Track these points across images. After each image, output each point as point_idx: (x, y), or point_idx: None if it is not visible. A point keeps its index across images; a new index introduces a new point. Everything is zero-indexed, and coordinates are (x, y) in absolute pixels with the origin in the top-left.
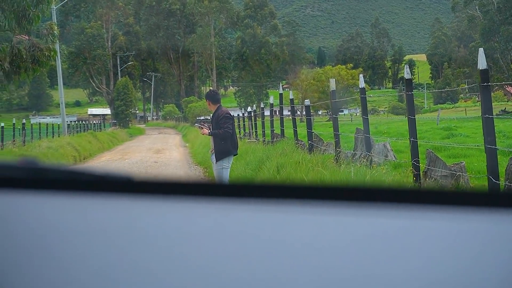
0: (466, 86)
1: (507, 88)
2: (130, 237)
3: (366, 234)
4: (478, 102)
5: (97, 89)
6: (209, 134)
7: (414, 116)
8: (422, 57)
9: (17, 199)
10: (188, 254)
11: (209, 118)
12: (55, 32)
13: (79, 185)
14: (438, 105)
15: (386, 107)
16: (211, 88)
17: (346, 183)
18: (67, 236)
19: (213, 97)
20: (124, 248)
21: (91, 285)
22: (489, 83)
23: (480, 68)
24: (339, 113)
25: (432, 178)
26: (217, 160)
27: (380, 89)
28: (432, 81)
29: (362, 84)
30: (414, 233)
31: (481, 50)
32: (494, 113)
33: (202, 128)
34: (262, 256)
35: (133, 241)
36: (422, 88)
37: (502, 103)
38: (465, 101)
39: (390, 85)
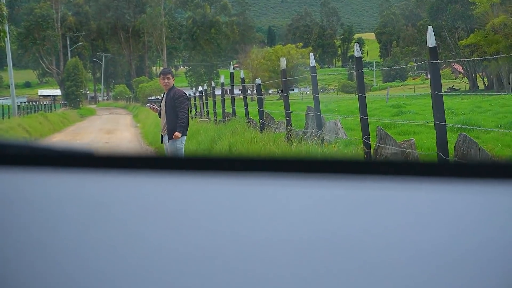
0: (414, 64)
1: (454, 66)
2: (94, 212)
3: (319, 203)
4: (427, 80)
5: (47, 70)
6: (179, 132)
7: (364, 94)
8: (371, 36)
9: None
10: (150, 229)
11: (159, 98)
12: (4, 12)
13: (41, 160)
14: (387, 83)
15: (336, 86)
16: (162, 67)
17: (295, 155)
18: (30, 212)
19: (173, 73)
20: (87, 223)
21: (59, 259)
22: (438, 61)
23: (429, 46)
24: (290, 91)
25: (382, 155)
26: (170, 139)
27: (330, 67)
28: (381, 60)
29: (312, 62)
30: (361, 203)
31: (430, 28)
32: (443, 91)
33: (153, 108)
34: (224, 228)
35: (96, 217)
36: (371, 66)
37: (450, 80)
38: (414, 79)
39: (340, 63)
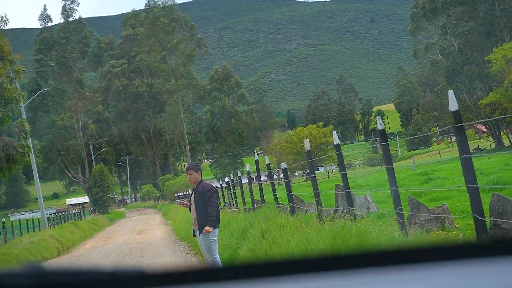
0: (437, 130)
1: (477, 126)
2: None
3: None
4: (451, 144)
5: (73, 179)
6: (210, 226)
7: (392, 166)
8: (391, 107)
9: None
10: None
11: (187, 193)
12: (26, 129)
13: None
14: (412, 151)
15: (361, 160)
16: (186, 163)
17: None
18: None
19: (199, 167)
20: None
21: None
22: (463, 124)
23: (452, 110)
24: (316, 171)
25: (416, 223)
26: (201, 233)
27: (353, 143)
28: (403, 129)
29: (336, 140)
30: None
31: (450, 92)
32: None
33: (183, 203)
34: None
35: None
36: (394, 137)
37: (475, 141)
38: (438, 144)
39: (363, 137)
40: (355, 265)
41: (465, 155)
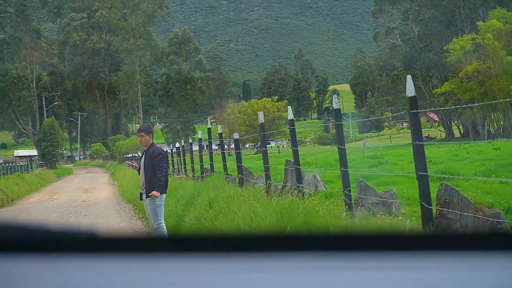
0: (390, 115)
1: (429, 115)
2: None
3: None
4: (402, 130)
5: (23, 130)
6: (157, 191)
7: (344, 146)
8: (346, 87)
9: None
10: None
11: (136, 155)
12: None
13: (36, 245)
14: (364, 134)
15: (312, 138)
16: (138, 125)
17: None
18: None
19: (151, 130)
20: None
21: None
22: (418, 110)
23: (409, 95)
24: (267, 145)
25: (363, 206)
26: (148, 197)
27: (305, 120)
28: (357, 110)
29: (290, 115)
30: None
31: (409, 77)
32: None
33: (132, 165)
34: None
35: None
36: (347, 117)
37: (426, 129)
38: (390, 129)
39: (315, 115)
40: (300, 247)
41: (417, 142)
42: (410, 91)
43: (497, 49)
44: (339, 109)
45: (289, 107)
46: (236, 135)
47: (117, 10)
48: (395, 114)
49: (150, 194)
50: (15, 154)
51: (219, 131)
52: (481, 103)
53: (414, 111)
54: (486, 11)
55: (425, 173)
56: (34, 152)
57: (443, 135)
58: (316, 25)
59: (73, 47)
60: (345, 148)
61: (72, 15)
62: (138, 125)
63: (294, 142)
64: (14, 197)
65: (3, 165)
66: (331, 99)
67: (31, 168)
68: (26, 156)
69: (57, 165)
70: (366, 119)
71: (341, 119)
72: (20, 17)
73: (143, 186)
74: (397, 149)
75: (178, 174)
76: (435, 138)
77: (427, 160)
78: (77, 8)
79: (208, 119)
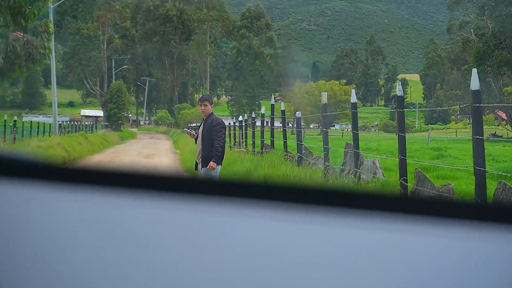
0: (458, 108)
1: (498, 113)
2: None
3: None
4: (469, 125)
5: (91, 90)
6: (214, 162)
7: (404, 134)
8: (415, 77)
9: None
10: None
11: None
12: (51, 30)
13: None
14: (429, 125)
15: (377, 124)
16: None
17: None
18: (36, 228)
19: (211, 100)
20: (109, 246)
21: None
22: (481, 104)
23: (473, 89)
24: (331, 127)
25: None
26: (203, 167)
27: (372, 106)
28: (424, 101)
29: (354, 99)
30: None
31: (474, 70)
32: (485, 137)
33: (190, 133)
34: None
35: (121, 242)
36: (414, 107)
37: (493, 127)
38: (456, 123)
39: (383, 103)
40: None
41: (477, 136)
42: (475, 84)
43: None
44: (403, 96)
45: (353, 90)
46: (298, 114)
47: None
48: (462, 106)
49: (207, 166)
50: (82, 113)
51: (282, 108)
52: None
53: (477, 105)
54: None
55: (483, 169)
56: (100, 113)
57: (510, 134)
58: (390, 12)
59: (146, 12)
60: (405, 136)
61: None
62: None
63: (355, 126)
64: (76, 156)
65: (69, 123)
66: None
67: (96, 129)
68: (92, 116)
69: (122, 127)
70: (432, 109)
71: (403, 106)
72: None
73: (199, 155)
74: (462, 143)
75: (239, 148)
76: (501, 136)
77: (489, 157)
78: None
79: (273, 96)
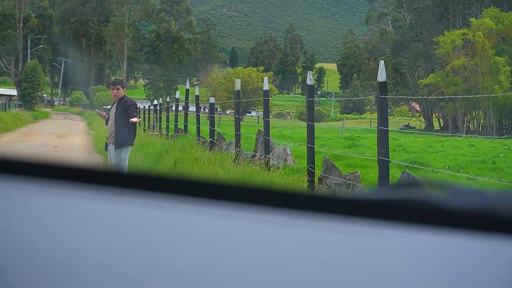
0: (373, 98)
1: (412, 104)
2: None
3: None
4: None
5: (5, 69)
6: (133, 121)
7: (313, 123)
8: (333, 67)
9: None
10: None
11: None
12: None
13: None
14: (344, 114)
15: (294, 112)
16: (122, 78)
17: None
18: None
19: (124, 84)
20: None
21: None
22: (387, 96)
23: (380, 80)
24: (247, 114)
25: (326, 185)
26: (116, 148)
27: (289, 94)
28: (341, 91)
29: (266, 86)
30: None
31: (381, 62)
32: (398, 127)
33: (101, 114)
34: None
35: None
36: (330, 96)
37: (407, 118)
38: (371, 113)
39: (300, 91)
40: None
41: (382, 127)
42: (381, 76)
43: (486, 48)
44: (313, 85)
45: (266, 78)
46: (212, 99)
47: None
48: (376, 97)
49: (132, 119)
50: None
51: (196, 93)
52: (464, 96)
53: (383, 96)
54: (480, 8)
55: (386, 159)
56: (14, 92)
57: (423, 126)
58: (310, 1)
59: None
60: (313, 125)
61: None
62: (120, 77)
63: (266, 113)
64: None
65: None
66: (309, 75)
67: (9, 108)
68: (6, 95)
69: (35, 107)
70: (348, 99)
71: (313, 95)
72: None
73: (110, 136)
74: (375, 133)
75: (152, 131)
76: (414, 127)
77: (401, 148)
78: None
79: (188, 80)
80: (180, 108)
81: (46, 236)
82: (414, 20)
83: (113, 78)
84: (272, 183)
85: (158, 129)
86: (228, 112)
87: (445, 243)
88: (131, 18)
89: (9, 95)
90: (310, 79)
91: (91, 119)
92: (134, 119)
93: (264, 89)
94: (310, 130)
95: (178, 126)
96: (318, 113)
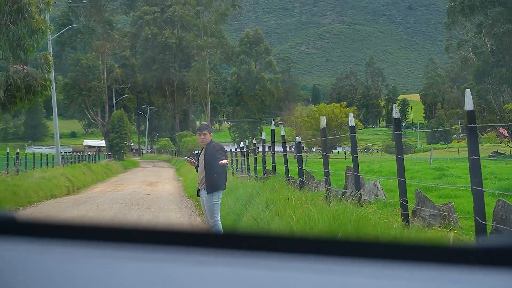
0: (459, 127)
1: (499, 130)
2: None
3: None
4: None
5: (92, 120)
6: (222, 162)
7: (403, 156)
8: (416, 97)
9: None
10: None
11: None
12: (50, 62)
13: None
14: (431, 145)
15: (380, 146)
16: (206, 122)
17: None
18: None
19: (210, 128)
20: None
21: None
22: (476, 125)
23: (467, 109)
24: (333, 150)
25: (421, 217)
26: (208, 193)
27: (374, 127)
28: (426, 121)
29: (351, 122)
30: None
31: (467, 91)
32: (487, 155)
33: (190, 161)
34: None
35: None
36: (415, 127)
37: (495, 144)
38: (458, 142)
39: (384, 124)
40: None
41: (473, 157)
42: (469, 105)
43: None
44: (399, 118)
45: (351, 114)
46: (298, 138)
47: (190, 7)
48: (464, 125)
49: (222, 161)
50: (84, 144)
51: (282, 133)
52: None
53: (471, 125)
54: None
55: (480, 188)
56: (102, 142)
57: None
58: (388, 33)
59: (144, 41)
60: (403, 158)
61: (146, 9)
62: (205, 122)
63: (354, 149)
64: (80, 186)
65: (72, 153)
66: (394, 108)
67: (99, 159)
68: (95, 146)
69: (124, 157)
70: (434, 130)
71: (400, 128)
72: (94, 7)
73: (202, 182)
74: (465, 162)
75: (241, 174)
76: (504, 154)
77: (491, 175)
78: (150, 2)
79: (273, 121)
80: (266, 148)
81: None
82: (495, 45)
83: (198, 123)
84: (366, 218)
85: (246, 172)
86: (314, 149)
87: None
88: (212, 62)
89: (98, 146)
90: (396, 112)
91: (179, 165)
92: (224, 161)
93: (350, 125)
94: (400, 164)
95: (266, 167)
96: (405, 145)
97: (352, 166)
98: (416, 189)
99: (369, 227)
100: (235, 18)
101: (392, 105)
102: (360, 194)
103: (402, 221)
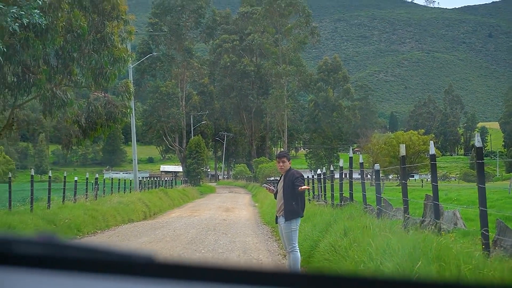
0: None
1: None
2: None
3: None
4: None
5: (169, 146)
6: (302, 188)
7: (484, 185)
8: (495, 125)
9: (33, 278)
10: None
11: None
12: (131, 90)
13: (98, 266)
14: (511, 173)
15: (457, 174)
16: (283, 148)
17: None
18: None
19: (289, 156)
20: None
21: None
22: None
23: None
24: (410, 178)
25: (502, 247)
26: (286, 220)
27: (451, 155)
28: (505, 149)
29: (432, 150)
30: None
31: None
32: None
33: (269, 188)
34: None
35: None
36: (494, 155)
37: None
38: None
39: (462, 151)
40: None
41: None
42: None
43: None
44: (482, 147)
45: (431, 142)
46: (377, 166)
47: (269, 35)
48: None
49: (301, 187)
50: (161, 169)
51: (361, 161)
52: None
53: None
54: None
55: None
56: (179, 168)
57: None
58: (468, 60)
59: (223, 68)
60: (485, 188)
61: (225, 37)
62: (282, 149)
63: (434, 177)
64: (156, 211)
65: (149, 179)
66: (476, 136)
67: (175, 184)
68: (172, 172)
69: (201, 182)
70: None
71: (483, 157)
72: (174, 36)
73: (280, 209)
74: None
75: (318, 201)
76: None
77: None
78: (229, 30)
79: (351, 148)
80: (337, 175)
81: None
82: None
83: (274, 149)
84: (447, 248)
85: (323, 199)
86: (390, 176)
87: None
88: (289, 90)
89: (174, 172)
90: (478, 141)
91: (256, 191)
92: (303, 187)
93: (430, 153)
94: (481, 193)
95: (343, 195)
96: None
97: (431, 195)
98: (497, 219)
99: (450, 256)
100: (314, 46)
101: (471, 133)
102: (440, 223)
103: (483, 251)
